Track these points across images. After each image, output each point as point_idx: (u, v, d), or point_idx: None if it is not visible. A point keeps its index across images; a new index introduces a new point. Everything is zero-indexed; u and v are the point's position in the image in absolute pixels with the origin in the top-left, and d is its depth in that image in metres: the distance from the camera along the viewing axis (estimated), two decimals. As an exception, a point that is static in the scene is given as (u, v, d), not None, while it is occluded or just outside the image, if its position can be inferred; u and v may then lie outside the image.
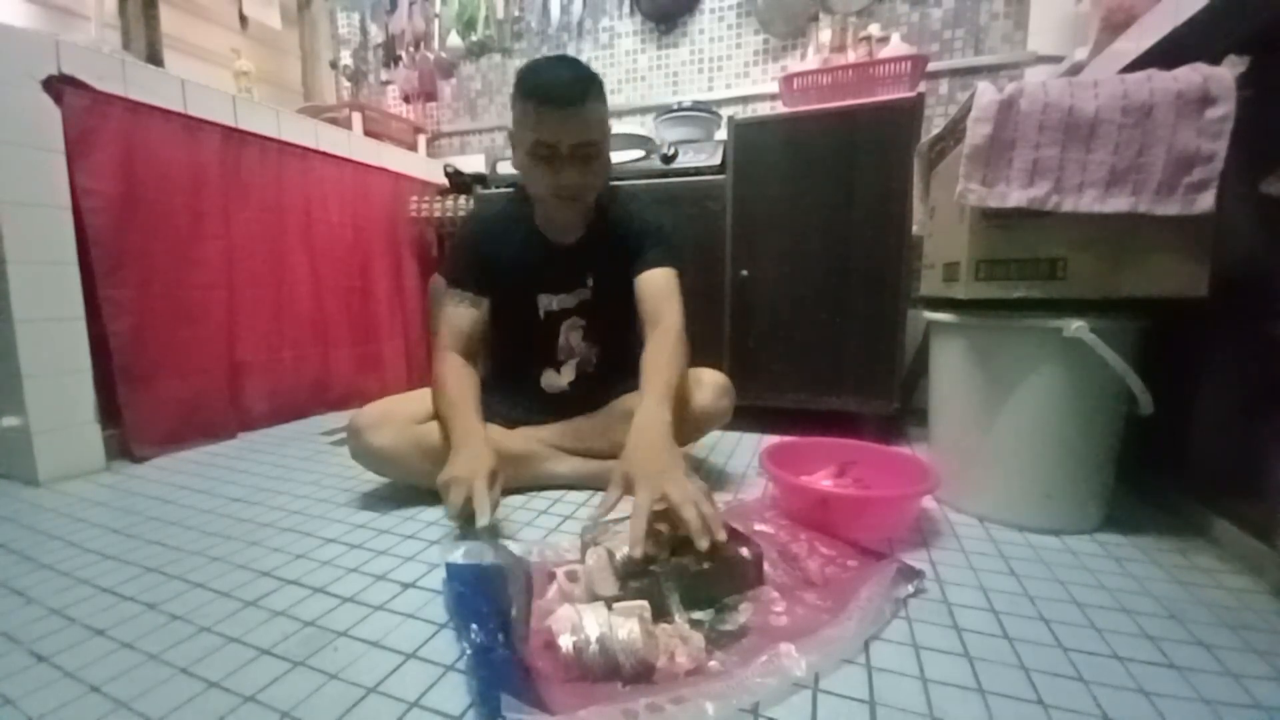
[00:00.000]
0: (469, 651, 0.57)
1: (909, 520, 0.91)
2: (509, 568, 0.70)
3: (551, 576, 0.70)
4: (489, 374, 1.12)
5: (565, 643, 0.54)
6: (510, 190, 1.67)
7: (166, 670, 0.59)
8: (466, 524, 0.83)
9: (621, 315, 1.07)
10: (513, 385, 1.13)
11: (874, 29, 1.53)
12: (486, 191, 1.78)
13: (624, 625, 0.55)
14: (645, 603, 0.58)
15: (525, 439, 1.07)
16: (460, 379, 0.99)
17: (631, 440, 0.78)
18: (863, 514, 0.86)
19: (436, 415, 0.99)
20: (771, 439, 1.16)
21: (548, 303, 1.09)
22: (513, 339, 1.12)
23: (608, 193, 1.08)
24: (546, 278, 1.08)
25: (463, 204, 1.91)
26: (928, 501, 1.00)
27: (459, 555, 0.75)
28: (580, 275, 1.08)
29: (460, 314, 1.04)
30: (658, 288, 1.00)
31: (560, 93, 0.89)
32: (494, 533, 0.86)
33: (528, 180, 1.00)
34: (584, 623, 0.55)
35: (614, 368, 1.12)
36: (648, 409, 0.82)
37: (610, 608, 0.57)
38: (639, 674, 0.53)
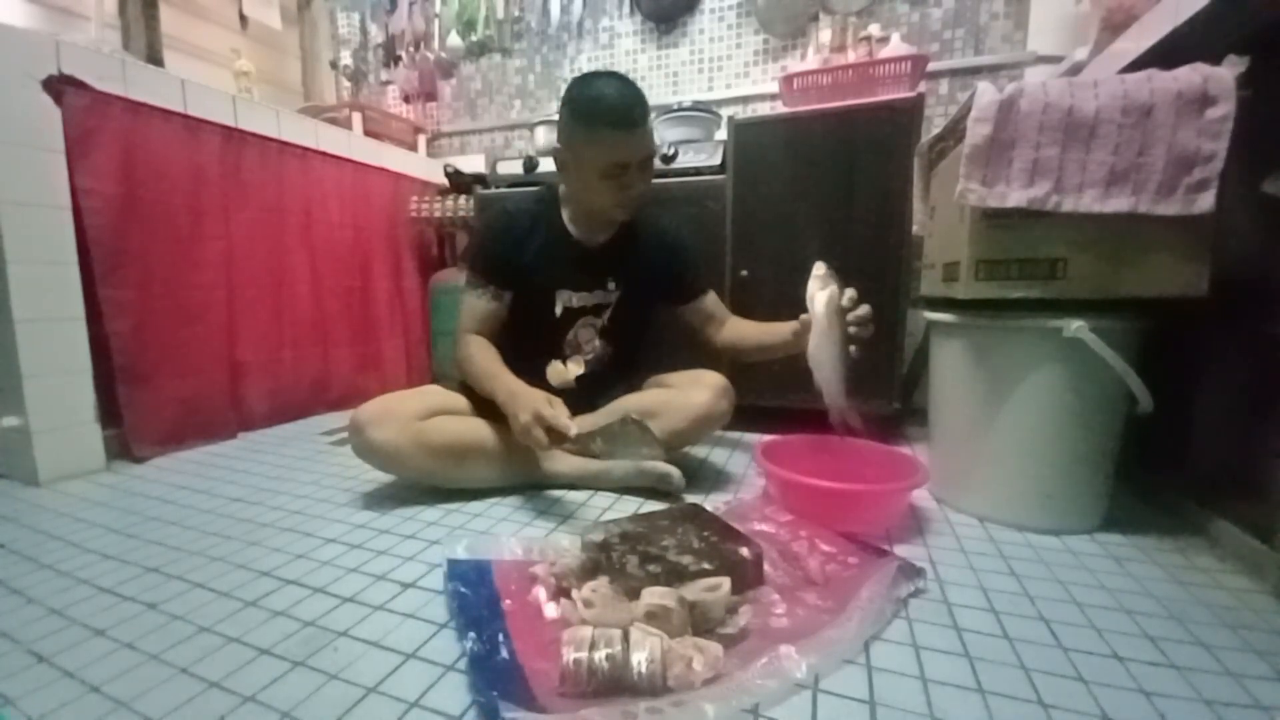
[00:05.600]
0: (468, 653, 0.57)
1: (898, 513, 0.92)
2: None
3: (534, 579, 0.70)
4: None
5: (568, 656, 0.53)
6: (516, 189, 1.68)
7: (166, 670, 0.59)
8: (559, 443, 0.89)
9: (638, 319, 1.15)
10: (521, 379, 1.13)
11: (874, 29, 1.53)
12: (486, 191, 1.78)
13: (643, 646, 0.53)
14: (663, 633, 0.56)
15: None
16: (485, 352, 1.06)
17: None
18: (853, 507, 0.87)
19: (471, 392, 1.08)
20: (772, 439, 1.15)
21: (567, 299, 1.11)
22: (523, 332, 1.13)
23: None
24: (570, 275, 1.10)
25: (463, 204, 1.91)
26: (928, 501, 1.01)
27: (461, 550, 0.76)
28: (603, 277, 1.12)
29: (480, 305, 1.09)
30: (716, 302, 1.22)
31: (631, 116, 0.95)
32: (585, 437, 0.93)
33: (592, 197, 1.03)
34: (597, 642, 0.53)
35: (623, 365, 1.18)
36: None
37: (627, 630, 0.55)
38: (653, 693, 0.52)
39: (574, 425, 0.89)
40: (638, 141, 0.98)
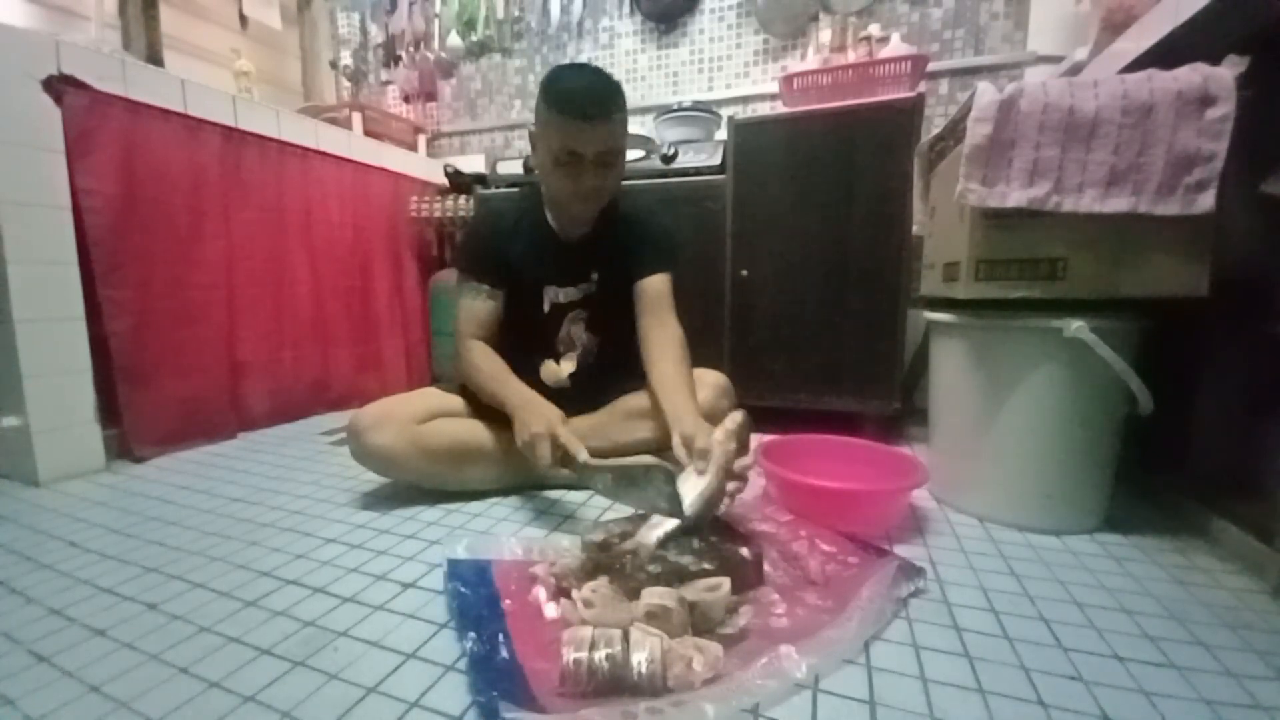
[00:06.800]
0: (468, 653, 0.57)
1: (898, 513, 0.92)
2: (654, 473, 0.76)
3: (534, 579, 0.70)
4: None
5: (568, 656, 0.52)
6: (517, 189, 1.69)
7: (166, 670, 0.59)
8: (566, 464, 0.87)
9: (623, 310, 1.13)
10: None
11: (874, 29, 1.53)
12: (486, 191, 1.78)
13: (643, 646, 0.53)
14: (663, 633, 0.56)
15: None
16: (491, 358, 1.06)
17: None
18: (853, 507, 0.87)
19: (475, 397, 1.07)
20: (772, 439, 1.15)
21: (554, 295, 1.11)
22: (516, 331, 1.13)
23: (616, 193, 1.11)
24: (554, 271, 1.10)
25: (463, 204, 1.91)
26: (928, 501, 1.01)
27: (461, 550, 0.76)
28: (585, 270, 1.11)
29: (478, 306, 1.09)
30: (659, 292, 1.08)
31: (590, 108, 0.93)
32: (594, 468, 0.85)
33: (549, 181, 1.03)
34: (597, 642, 0.53)
35: (614, 360, 1.16)
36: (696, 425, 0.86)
37: (627, 630, 0.55)
38: (653, 693, 0.52)
39: (584, 451, 0.86)
40: (594, 134, 0.95)
